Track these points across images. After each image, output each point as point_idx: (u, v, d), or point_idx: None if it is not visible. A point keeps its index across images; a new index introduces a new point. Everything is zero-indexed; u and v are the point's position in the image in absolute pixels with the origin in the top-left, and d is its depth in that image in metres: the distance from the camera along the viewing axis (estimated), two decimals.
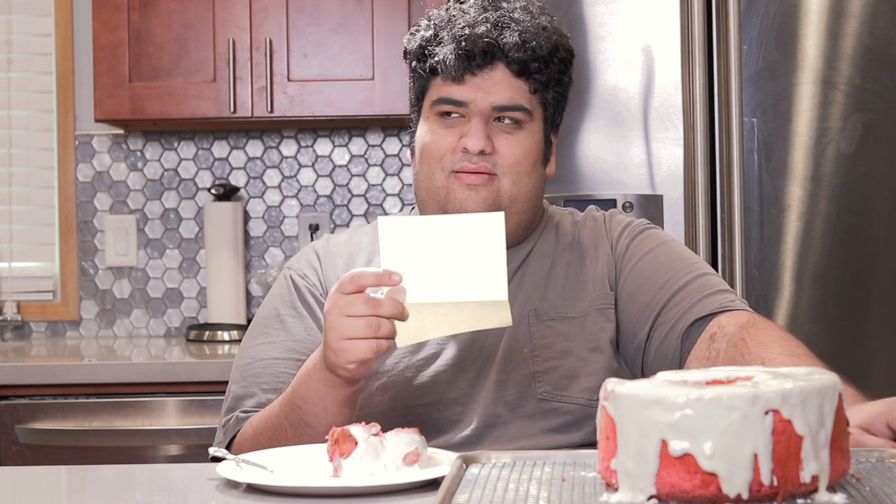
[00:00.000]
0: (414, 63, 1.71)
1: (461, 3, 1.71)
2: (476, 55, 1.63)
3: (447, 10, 1.70)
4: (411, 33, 1.73)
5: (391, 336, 1.43)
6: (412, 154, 1.74)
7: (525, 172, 1.66)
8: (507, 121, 1.65)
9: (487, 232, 1.44)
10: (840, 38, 2.55)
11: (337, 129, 3.40)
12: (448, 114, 1.66)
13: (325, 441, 1.34)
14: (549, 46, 1.66)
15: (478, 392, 1.64)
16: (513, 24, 1.65)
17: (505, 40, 1.63)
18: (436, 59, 1.65)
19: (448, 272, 1.43)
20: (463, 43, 1.63)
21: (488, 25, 1.64)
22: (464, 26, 1.65)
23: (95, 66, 3.05)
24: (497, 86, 1.64)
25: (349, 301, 1.43)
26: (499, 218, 1.45)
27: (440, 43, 1.66)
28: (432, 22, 1.70)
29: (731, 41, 2.52)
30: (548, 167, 1.73)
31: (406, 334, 1.46)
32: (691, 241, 2.52)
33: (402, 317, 1.43)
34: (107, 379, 2.73)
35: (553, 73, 1.68)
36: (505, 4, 1.69)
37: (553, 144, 1.74)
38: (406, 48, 1.73)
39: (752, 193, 2.55)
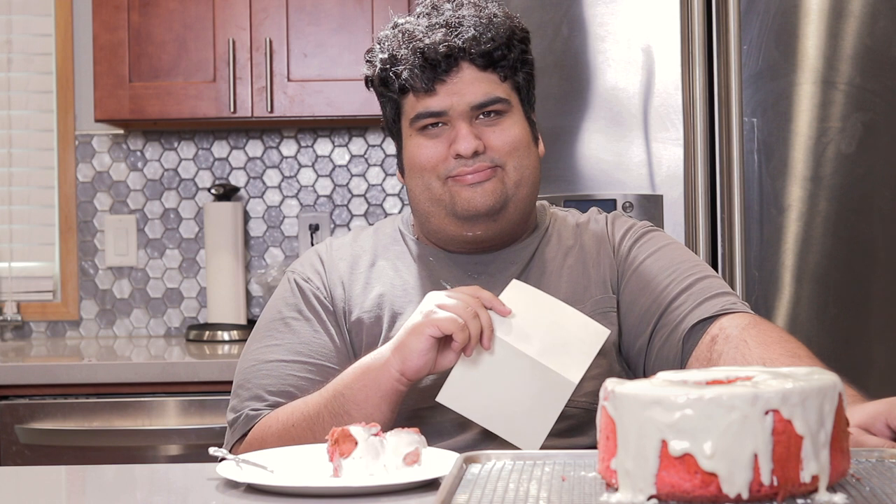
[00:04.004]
0: (380, 88, 1.72)
1: (405, 17, 1.71)
2: (440, 63, 1.64)
3: (395, 27, 1.70)
4: (368, 61, 1.73)
5: (473, 337, 1.46)
6: (402, 175, 1.74)
7: (523, 155, 1.68)
8: (489, 115, 1.66)
9: (590, 335, 1.53)
10: (840, 38, 2.55)
11: (337, 129, 3.40)
12: (432, 125, 1.66)
13: (325, 441, 1.34)
14: (505, 32, 1.67)
15: None
16: (464, 22, 1.66)
17: (462, 39, 1.64)
18: (402, 78, 1.66)
19: (542, 339, 1.50)
20: (423, 54, 1.64)
21: (442, 30, 1.65)
22: (420, 38, 1.65)
23: (95, 66, 3.05)
24: (469, 85, 1.65)
25: (462, 294, 1.49)
26: (604, 334, 1.54)
27: (400, 62, 1.66)
28: (384, 45, 1.70)
29: (731, 41, 2.52)
30: (538, 147, 1.74)
31: (454, 388, 1.50)
32: (691, 241, 2.52)
33: (488, 339, 1.47)
34: (107, 379, 2.73)
35: (517, 56, 1.69)
36: (448, 5, 1.69)
37: (535, 123, 1.75)
38: (367, 76, 1.73)
39: (752, 193, 2.55)
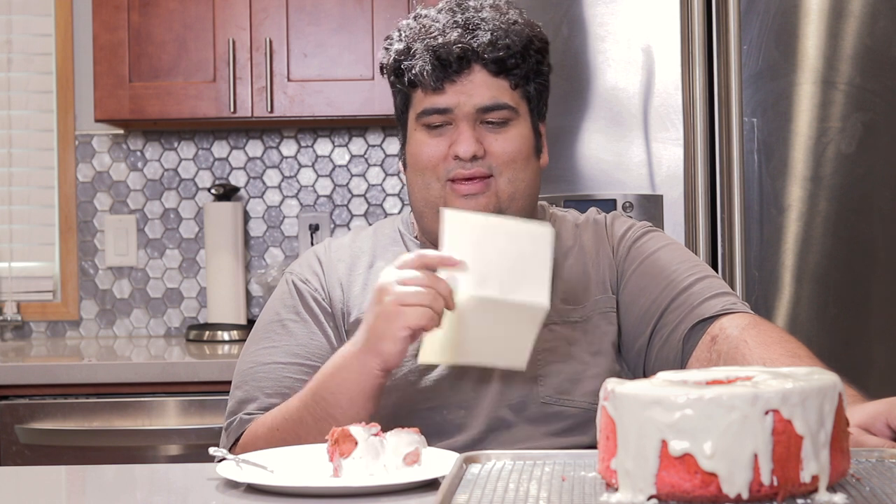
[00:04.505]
0: (392, 78, 1.71)
1: (428, 9, 1.70)
2: (451, 63, 1.62)
3: (416, 18, 1.69)
4: (385, 48, 1.71)
5: (440, 312, 1.45)
6: (404, 167, 1.74)
7: (520, 168, 1.66)
8: (493, 121, 1.65)
9: (537, 241, 1.50)
10: (840, 38, 2.55)
11: (337, 129, 3.40)
12: (436, 123, 1.66)
13: (326, 441, 1.34)
14: (522, 41, 1.65)
15: (481, 396, 1.64)
16: (483, 25, 1.64)
17: (478, 42, 1.63)
18: (413, 72, 1.65)
19: (498, 270, 1.48)
20: (437, 52, 1.62)
21: (459, 30, 1.63)
22: (435, 35, 1.64)
23: (95, 66, 3.05)
24: (478, 88, 1.64)
25: (409, 272, 1.47)
26: (548, 233, 1.50)
27: (414, 55, 1.65)
28: (403, 34, 1.68)
29: (731, 41, 2.52)
30: (541, 158, 1.73)
31: (431, 346, 1.51)
32: (691, 241, 2.52)
33: (451, 303, 1.46)
34: (107, 379, 2.73)
35: (531, 66, 1.67)
36: (472, 4, 1.68)
37: (543, 135, 1.74)
38: (382, 63, 1.72)
39: (752, 193, 2.55)
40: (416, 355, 1.67)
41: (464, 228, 1.50)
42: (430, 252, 1.49)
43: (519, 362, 1.54)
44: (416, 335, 1.48)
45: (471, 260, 1.49)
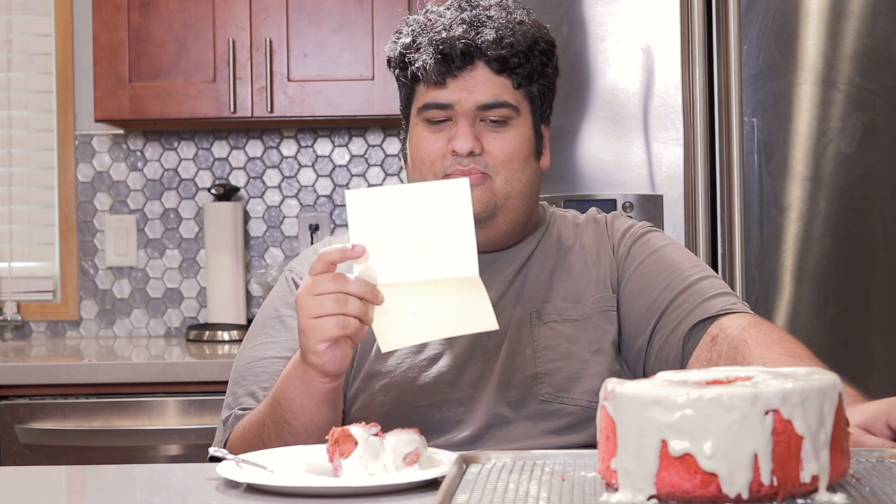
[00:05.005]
0: (397, 71, 1.71)
1: (438, 5, 1.70)
2: (454, 58, 1.63)
3: (425, 13, 1.70)
4: (393, 41, 1.72)
5: (361, 315, 1.40)
6: (405, 161, 1.74)
7: (518, 168, 1.66)
8: (493, 119, 1.65)
9: (454, 200, 1.41)
10: (840, 38, 2.56)
11: (337, 129, 3.41)
12: (437, 118, 1.66)
13: (325, 441, 1.34)
14: (527, 41, 1.65)
15: (480, 393, 1.64)
16: (489, 23, 1.64)
17: (482, 39, 1.63)
18: (416, 66, 1.65)
19: (418, 248, 1.41)
20: (440, 47, 1.63)
21: (464, 26, 1.64)
22: (440, 30, 1.64)
23: (95, 66, 3.05)
24: (480, 85, 1.64)
25: (317, 280, 1.41)
26: (464, 184, 1.42)
27: (418, 49, 1.65)
28: (410, 28, 1.69)
29: (731, 41, 2.52)
30: (541, 160, 1.73)
31: (387, 334, 1.45)
32: (691, 241, 2.52)
33: (374, 297, 1.41)
34: (107, 379, 2.73)
35: (535, 66, 1.67)
36: (480, 2, 1.69)
37: (545, 137, 1.74)
38: (389, 56, 1.73)
39: (752, 193, 2.55)
40: (414, 351, 1.67)
41: (371, 209, 1.41)
42: (330, 250, 1.42)
43: (488, 324, 1.44)
44: (354, 340, 1.44)
45: (384, 242, 1.41)
